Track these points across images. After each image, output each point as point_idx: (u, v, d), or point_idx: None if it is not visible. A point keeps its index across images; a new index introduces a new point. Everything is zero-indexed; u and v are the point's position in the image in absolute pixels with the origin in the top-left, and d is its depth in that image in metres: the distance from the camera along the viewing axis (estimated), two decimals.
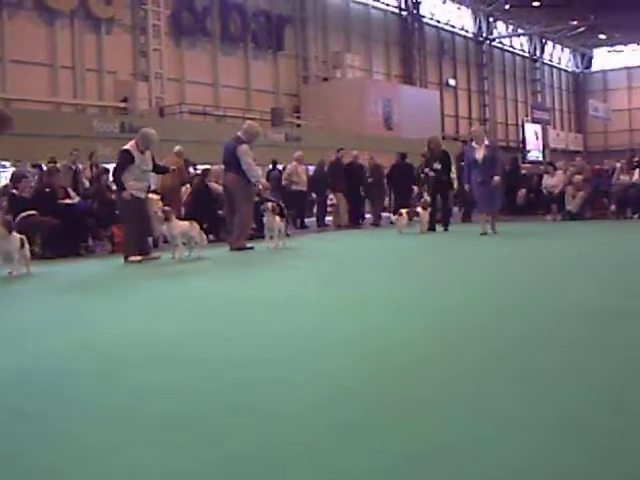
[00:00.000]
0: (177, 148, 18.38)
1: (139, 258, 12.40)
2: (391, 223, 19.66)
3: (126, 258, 12.50)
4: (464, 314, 6.13)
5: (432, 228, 18.26)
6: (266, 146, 30.19)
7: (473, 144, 16.68)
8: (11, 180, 16.29)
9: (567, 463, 2.77)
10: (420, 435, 3.12)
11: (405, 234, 17.32)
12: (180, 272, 11.00)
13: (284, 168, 23.72)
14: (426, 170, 18.90)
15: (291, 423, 3.34)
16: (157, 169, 13.55)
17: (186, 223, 12.81)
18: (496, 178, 16.22)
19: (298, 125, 41.72)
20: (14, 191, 14.86)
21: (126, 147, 12.74)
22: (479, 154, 16.33)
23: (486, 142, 16.61)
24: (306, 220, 23.42)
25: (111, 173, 13.85)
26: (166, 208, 12.98)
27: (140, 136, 12.94)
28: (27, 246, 10.99)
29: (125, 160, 12.53)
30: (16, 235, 10.67)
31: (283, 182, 22.78)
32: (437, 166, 18.35)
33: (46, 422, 3.48)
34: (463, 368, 4.23)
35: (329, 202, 23.58)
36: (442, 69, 56.37)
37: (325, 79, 44.56)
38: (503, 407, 3.45)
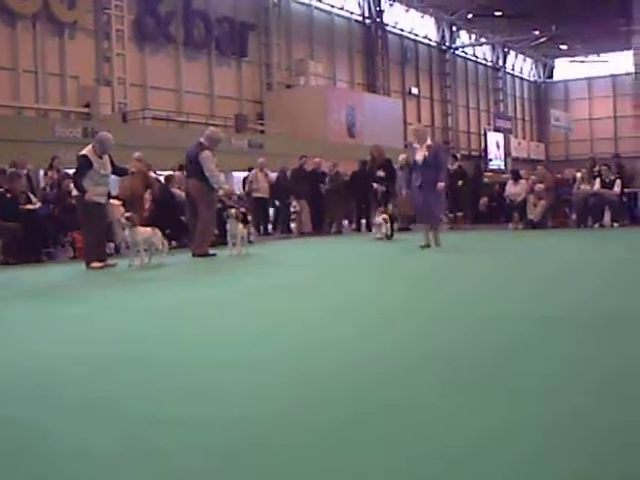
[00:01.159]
0: (137, 154, 18.24)
1: (101, 264, 12.36)
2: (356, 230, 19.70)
3: (87, 264, 12.45)
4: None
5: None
6: (229, 153, 30.17)
7: (415, 145, 15.29)
8: None
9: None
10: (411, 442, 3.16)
11: (369, 242, 17.33)
12: (144, 279, 10.96)
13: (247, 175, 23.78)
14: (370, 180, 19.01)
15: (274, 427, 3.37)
16: (116, 171, 13.49)
17: (148, 229, 12.77)
18: (440, 184, 14.67)
19: (262, 132, 41.72)
20: None
21: (83, 152, 12.71)
22: (419, 155, 14.90)
23: (428, 142, 15.11)
24: (269, 227, 23.49)
25: (72, 178, 13.80)
26: (130, 214, 12.93)
27: (96, 141, 12.91)
28: None
29: (84, 165, 12.50)
30: None
31: (245, 189, 22.80)
32: (380, 174, 18.49)
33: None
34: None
35: (292, 209, 23.61)
36: (405, 77, 56.57)
37: (288, 86, 44.57)
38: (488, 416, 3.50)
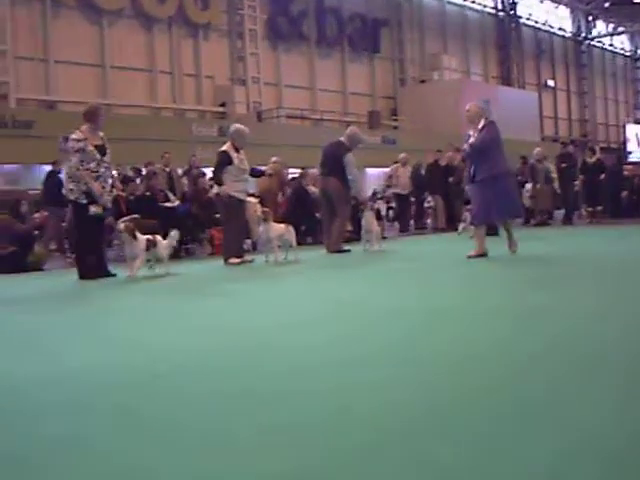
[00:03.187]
0: (274, 158, 18.24)
1: (238, 260, 12.43)
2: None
3: (226, 260, 12.56)
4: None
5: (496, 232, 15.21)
6: (363, 149, 30.13)
7: (469, 131, 11.67)
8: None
9: None
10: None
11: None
12: (279, 274, 10.97)
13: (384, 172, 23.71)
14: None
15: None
16: (252, 173, 13.53)
17: (282, 226, 12.79)
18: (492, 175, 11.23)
19: (395, 127, 41.60)
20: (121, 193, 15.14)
21: (223, 148, 12.79)
22: (471, 140, 11.46)
23: (482, 123, 11.38)
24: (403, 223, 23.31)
25: (211, 174, 13.96)
26: (265, 210, 13.00)
27: (234, 133, 12.97)
28: (159, 244, 11.19)
29: (224, 161, 12.57)
30: (142, 238, 10.82)
31: (384, 184, 22.70)
32: None
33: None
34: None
35: (427, 205, 23.40)
36: (540, 70, 55.60)
37: (422, 81, 44.35)
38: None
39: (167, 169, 18.01)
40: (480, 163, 11.21)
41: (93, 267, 11.07)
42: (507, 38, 51.54)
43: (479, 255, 11.02)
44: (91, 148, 10.95)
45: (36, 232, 15.17)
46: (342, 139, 14.64)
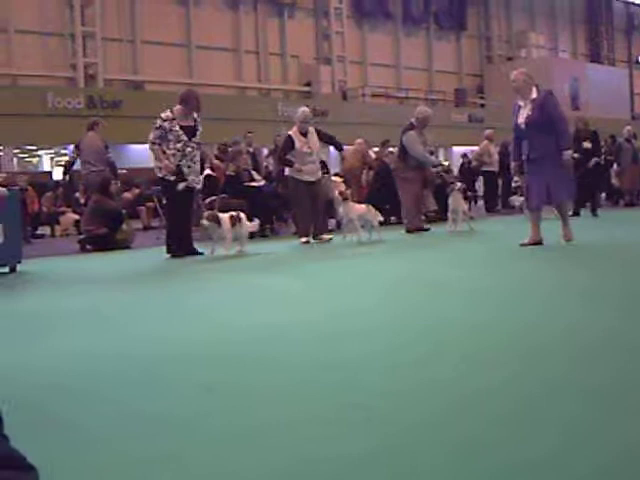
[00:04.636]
0: (359, 140, 18.25)
1: (305, 239, 12.63)
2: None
3: (300, 238, 12.78)
4: None
5: (576, 212, 15.68)
6: (449, 127, 29.88)
7: (518, 101, 10.31)
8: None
9: None
10: None
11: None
12: (354, 254, 10.93)
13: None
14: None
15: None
16: (334, 143, 13.59)
17: (362, 206, 12.79)
18: (566, 153, 9.99)
19: (482, 105, 41.17)
20: (210, 172, 15.27)
21: (289, 132, 13.03)
22: (522, 115, 10.17)
23: (533, 94, 10.06)
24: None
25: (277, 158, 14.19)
26: (342, 190, 13.03)
27: (300, 114, 13.12)
28: (243, 223, 11.34)
29: (287, 145, 12.83)
30: (225, 218, 10.97)
31: (473, 162, 22.41)
32: (587, 145, 17.43)
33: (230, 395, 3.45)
34: None
35: (513, 184, 23.04)
36: (632, 46, 54.34)
37: (509, 59, 43.79)
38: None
39: (250, 149, 18.07)
40: (540, 138, 9.99)
41: (181, 244, 11.24)
42: (597, 13, 50.48)
43: (534, 243, 10.03)
44: (177, 128, 11.10)
45: (124, 211, 15.33)
46: (412, 119, 14.58)
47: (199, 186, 11.87)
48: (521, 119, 10.09)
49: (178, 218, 11.42)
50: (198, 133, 11.39)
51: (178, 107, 11.35)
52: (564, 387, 3.35)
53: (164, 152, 11.12)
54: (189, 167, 11.25)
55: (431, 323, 5.11)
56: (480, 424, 2.90)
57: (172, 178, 11.17)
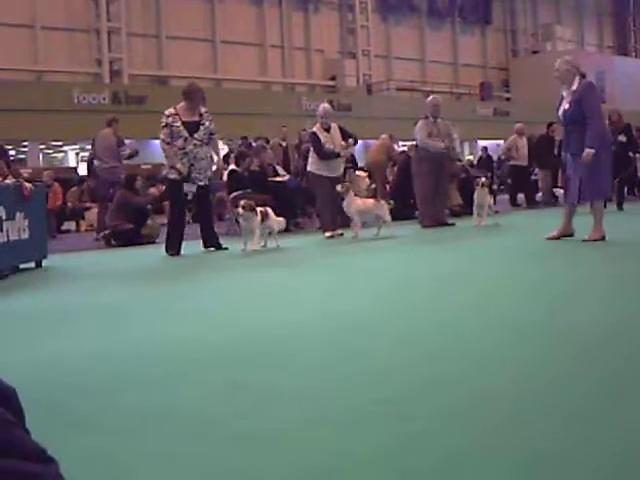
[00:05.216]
0: (383, 135, 18.25)
1: (330, 234, 12.68)
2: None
3: (323, 233, 12.94)
4: None
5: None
6: (474, 121, 29.75)
7: (563, 91, 9.79)
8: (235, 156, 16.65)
9: None
10: None
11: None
12: (361, 248, 10.94)
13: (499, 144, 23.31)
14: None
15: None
16: (352, 136, 13.54)
17: (371, 201, 12.80)
18: (587, 151, 9.31)
19: (507, 99, 41.01)
20: (234, 167, 15.24)
21: (313, 129, 13.10)
22: (563, 107, 9.73)
23: (575, 85, 9.50)
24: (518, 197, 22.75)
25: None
26: (344, 184, 12.96)
27: (321, 110, 13.15)
28: (271, 217, 11.38)
29: (315, 141, 12.87)
30: (256, 213, 11.02)
31: (501, 156, 22.28)
32: (622, 139, 17.21)
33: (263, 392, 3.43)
34: None
35: (533, 177, 22.88)
36: None
37: (535, 52, 43.57)
38: None
39: (284, 143, 18.07)
40: (576, 133, 9.54)
41: (176, 243, 11.19)
42: (624, 5, 50.10)
43: (563, 235, 9.78)
44: (178, 124, 11.03)
45: (149, 206, 15.34)
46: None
47: (202, 183, 11.60)
48: (561, 111, 9.71)
49: (177, 217, 11.47)
50: (202, 128, 11.25)
51: (183, 103, 11.29)
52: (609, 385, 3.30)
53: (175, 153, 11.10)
54: (192, 165, 11.15)
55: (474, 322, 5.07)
56: (498, 419, 2.86)
57: (174, 176, 11.17)
